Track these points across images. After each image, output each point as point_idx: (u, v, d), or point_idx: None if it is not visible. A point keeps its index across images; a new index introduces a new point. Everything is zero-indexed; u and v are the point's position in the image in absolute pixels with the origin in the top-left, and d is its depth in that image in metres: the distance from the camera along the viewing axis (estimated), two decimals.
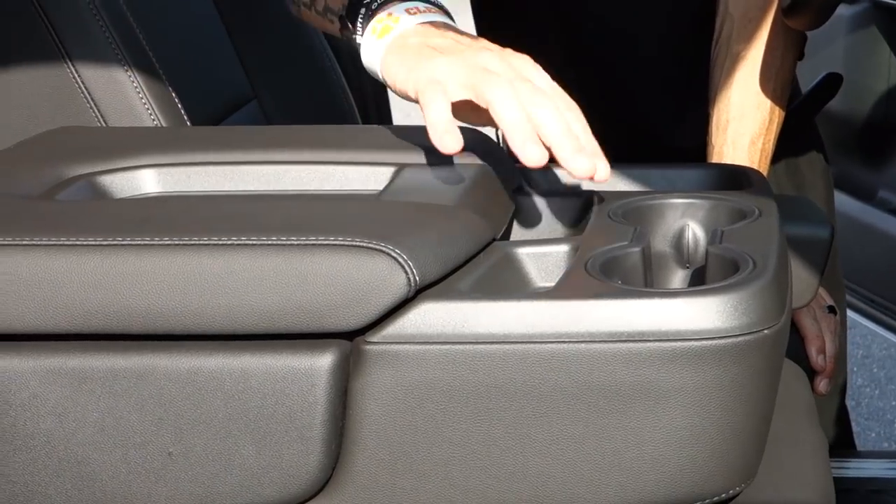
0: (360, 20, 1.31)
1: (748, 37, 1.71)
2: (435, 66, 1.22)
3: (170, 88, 1.58)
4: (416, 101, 1.22)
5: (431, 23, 1.28)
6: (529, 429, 1.04)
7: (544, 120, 1.17)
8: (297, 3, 1.51)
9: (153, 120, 1.55)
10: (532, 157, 1.15)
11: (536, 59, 1.25)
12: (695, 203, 1.23)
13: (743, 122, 1.70)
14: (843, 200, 2.65)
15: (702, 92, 1.74)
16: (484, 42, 1.25)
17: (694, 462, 1.05)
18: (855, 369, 3.59)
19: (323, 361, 1.05)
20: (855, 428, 2.51)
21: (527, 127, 1.16)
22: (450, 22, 1.30)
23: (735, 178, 1.34)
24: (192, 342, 1.06)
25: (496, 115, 1.18)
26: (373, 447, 1.06)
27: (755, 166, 1.68)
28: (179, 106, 1.58)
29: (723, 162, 1.68)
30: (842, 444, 2.09)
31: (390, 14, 1.29)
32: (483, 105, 1.19)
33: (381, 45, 1.28)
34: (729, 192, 1.28)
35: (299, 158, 1.27)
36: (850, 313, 2.56)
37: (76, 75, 1.55)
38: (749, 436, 1.06)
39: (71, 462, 1.08)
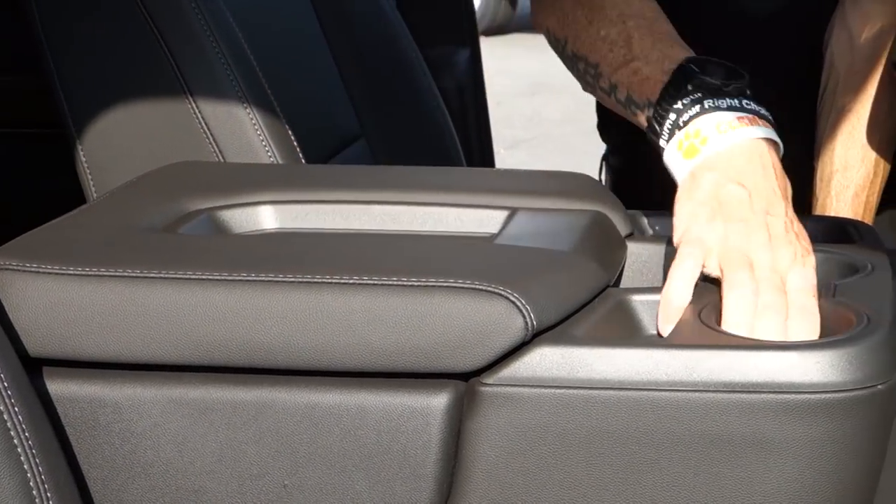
0: (667, 126, 1.26)
1: (853, 90, 1.71)
2: (706, 231, 1.18)
3: (286, 126, 1.61)
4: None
5: (740, 143, 1.22)
6: (640, 475, 1.05)
7: (762, 333, 1.13)
8: (590, 84, 1.45)
9: (270, 157, 1.58)
10: None
11: None
12: None
13: (847, 175, 1.70)
14: None
15: (806, 145, 1.75)
16: (776, 206, 1.19)
17: None
18: None
19: (439, 401, 1.07)
20: None
21: (743, 331, 1.13)
22: (766, 135, 1.24)
23: (843, 230, 1.34)
24: (312, 377, 1.08)
25: (724, 308, 1.14)
26: (484, 487, 1.07)
27: (859, 219, 1.68)
28: (294, 143, 1.61)
29: (827, 214, 1.68)
30: None
31: (698, 132, 1.23)
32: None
33: (683, 166, 1.23)
34: (839, 245, 1.28)
35: (413, 199, 1.29)
36: None
37: (196, 111, 1.58)
38: (858, 490, 1.07)
39: (188, 491, 1.10)
